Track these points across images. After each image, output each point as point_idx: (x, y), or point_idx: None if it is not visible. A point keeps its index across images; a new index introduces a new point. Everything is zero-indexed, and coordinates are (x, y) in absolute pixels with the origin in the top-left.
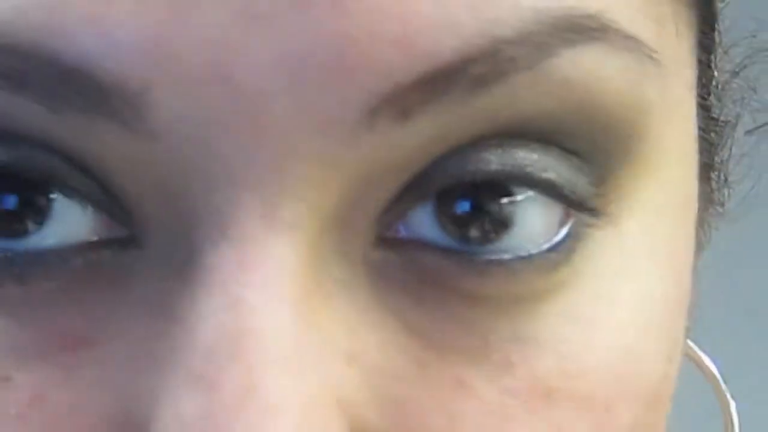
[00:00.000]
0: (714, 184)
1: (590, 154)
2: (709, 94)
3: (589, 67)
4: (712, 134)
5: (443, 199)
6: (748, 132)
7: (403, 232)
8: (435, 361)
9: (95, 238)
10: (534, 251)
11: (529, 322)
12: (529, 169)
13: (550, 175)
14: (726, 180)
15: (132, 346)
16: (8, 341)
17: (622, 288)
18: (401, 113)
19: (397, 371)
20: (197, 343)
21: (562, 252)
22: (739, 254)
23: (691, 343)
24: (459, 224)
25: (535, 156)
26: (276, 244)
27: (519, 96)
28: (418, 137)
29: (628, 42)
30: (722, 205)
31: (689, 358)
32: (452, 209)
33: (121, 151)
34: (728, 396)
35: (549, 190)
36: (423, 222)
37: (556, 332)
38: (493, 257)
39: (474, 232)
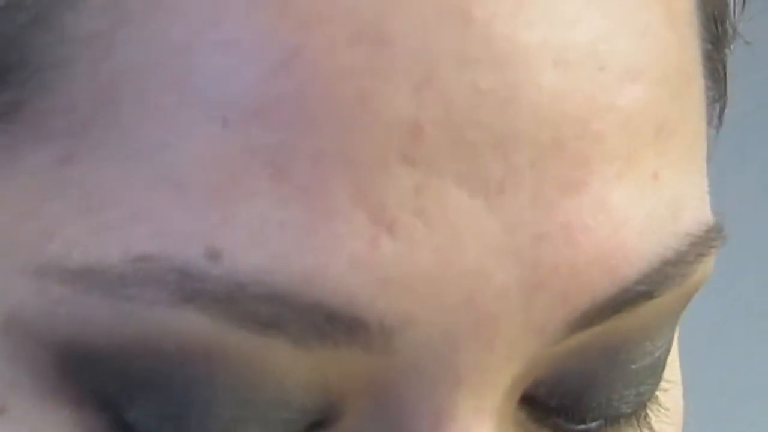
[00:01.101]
0: None
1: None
2: None
3: (703, 271)
4: None
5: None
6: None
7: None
8: None
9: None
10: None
11: None
12: (657, 354)
13: (660, 351)
14: None
15: None
16: None
17: (674, 401)
18: (590, 323)
19: None
20: None
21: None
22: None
23: None
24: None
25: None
26: (483, 430)
27: (663, 306)
28: (582, 337)
29: (720, 232)
30: None
31: None
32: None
33: (351, 367)
34: None
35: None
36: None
37: None
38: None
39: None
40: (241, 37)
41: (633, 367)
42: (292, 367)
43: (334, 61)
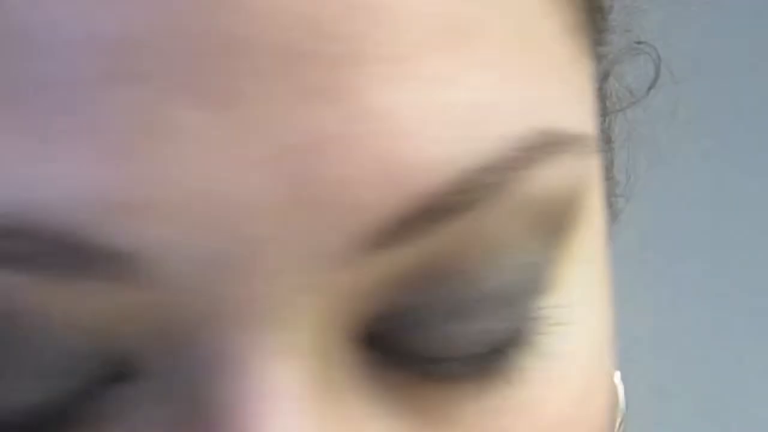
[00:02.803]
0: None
1: (546, 242)
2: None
3: (547, 180)
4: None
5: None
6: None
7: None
8: None
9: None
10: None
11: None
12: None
13: (503, 279)
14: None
15: None
16: None
17: (570, 343)
18: (379, 245)
19: None
20: None
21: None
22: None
23: None
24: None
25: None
26: (286, 371)
27: (487, 218)
28: (395, 261)
29: (578, 143)
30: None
31: None
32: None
33: (116, 302)
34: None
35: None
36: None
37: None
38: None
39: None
40: None
41: (470, 297)
42: (57, 307)
43: None
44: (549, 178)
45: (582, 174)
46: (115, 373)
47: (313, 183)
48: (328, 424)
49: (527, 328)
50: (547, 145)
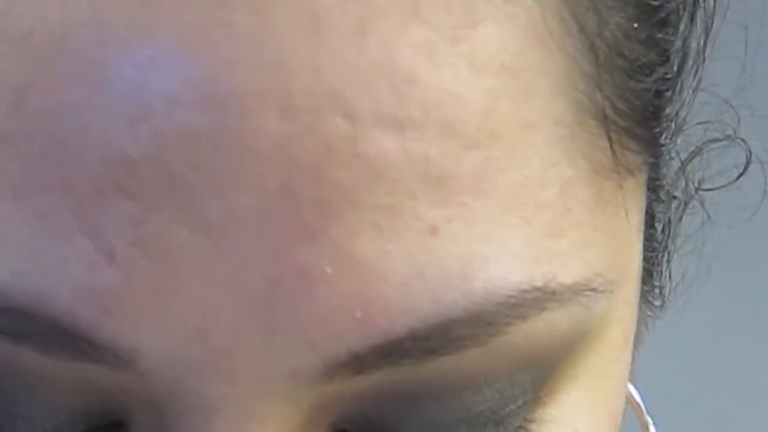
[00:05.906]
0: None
1: (537, 374)
2: (657, 199)
3: (538, 333)
4: (656, 242)
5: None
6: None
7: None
8: None
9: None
10: None
11: None
12: (469, 405)
13: (482, 407)
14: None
15: None
16: None
17: None
18: (355, 372)
19: None
20: None
21: None
22: None
23: None
24: None
25: (473, 396)
26: None
27: (469, 363)
28: (370, 384)
29: (576, 293)
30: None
31: None
32: None
33: (112, 381)
34: (649, 420)
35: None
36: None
37: None
38: None
39: None
40: None
41: (447, 418)
42: (51, 374)
43: (58, 97)
44: (541, 332)
45: (586, 319)
46: (112, 423)
47: (287, 312)
48: None
49: None
50: (540, 301)
